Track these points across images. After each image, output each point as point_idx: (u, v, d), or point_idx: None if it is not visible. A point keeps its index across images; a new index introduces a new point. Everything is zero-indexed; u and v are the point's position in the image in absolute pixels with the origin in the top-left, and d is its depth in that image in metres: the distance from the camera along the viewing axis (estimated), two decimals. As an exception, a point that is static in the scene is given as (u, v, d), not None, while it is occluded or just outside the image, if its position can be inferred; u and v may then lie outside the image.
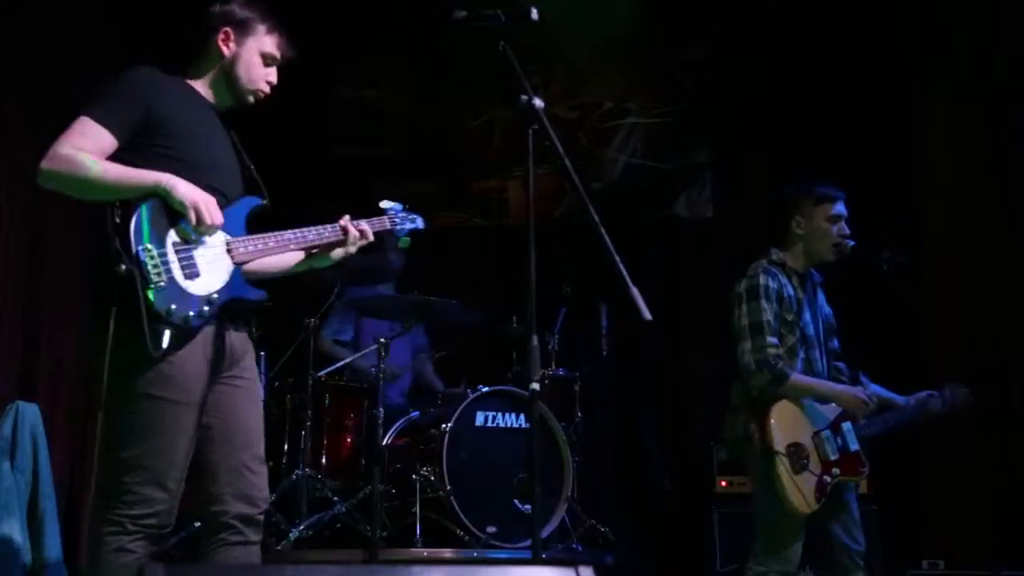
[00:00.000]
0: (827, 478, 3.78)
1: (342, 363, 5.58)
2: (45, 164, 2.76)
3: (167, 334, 2.67)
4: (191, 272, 2.77)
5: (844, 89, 6.15)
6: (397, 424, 5.43)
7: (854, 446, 3.88)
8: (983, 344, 5.43)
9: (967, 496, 5.44)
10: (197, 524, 4.71)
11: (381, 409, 5.07)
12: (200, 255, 2.81)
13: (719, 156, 6.83)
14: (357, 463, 5.42)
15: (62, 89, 5.00)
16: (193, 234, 2.78)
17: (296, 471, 5.10)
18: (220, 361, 2.90)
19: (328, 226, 3.13)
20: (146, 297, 2.63)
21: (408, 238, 3.37)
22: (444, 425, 5.05)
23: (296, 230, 3.05)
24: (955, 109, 5.81)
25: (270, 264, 3.12)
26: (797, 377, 3.81)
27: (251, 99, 3.11)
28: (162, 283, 2.67)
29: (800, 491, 3.69)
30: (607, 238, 2.45)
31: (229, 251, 2.89)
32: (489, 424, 5.21)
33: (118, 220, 2.70)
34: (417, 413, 5.51)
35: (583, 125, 6.90)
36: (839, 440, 3.87)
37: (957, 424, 5.34)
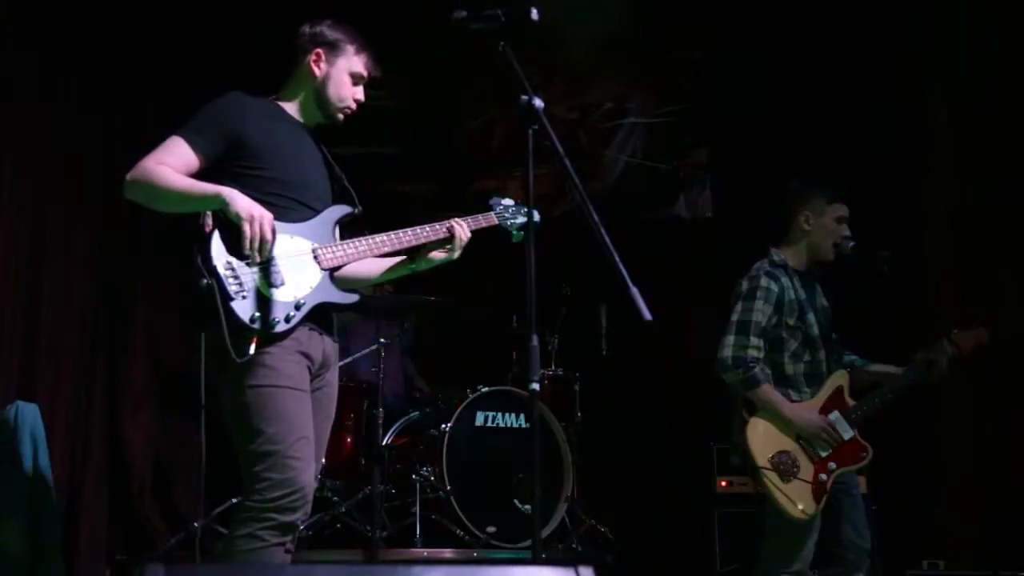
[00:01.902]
0: (824, 476, 3.77)
1: (342, 363, 5.58)
2: (129, 175, 2.91)
3: (253, 341, 2.80)
4: (276, 280, 2.88)
5: (843, 89, 6.15)
6: (397, 424, 5.43)
7: (847, 434, 3.84)
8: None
9: (967, 497, 5.44)
10: (196, 524, 4.74)
11: (381, 409, 5.08)
12: (285, 264, 2.92)
13: (719, 156, 6.83)
14: (357, 463, 5.42)
15: (62, 88, 5.02)
16: (252, 249, 2.84)
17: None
18: (314, 363, 3.02)
19: (428, 226, 3.24)
20: (228, 309, 2.76)
21: (521, 232, 3.43)
22: (444, 425, 5.05)
23: (391, 232, 3.17)
24: (954, 109, 5.80)
25: (365, 270, 3.26)
26: (767, 389, 3.79)
27: (340, 116, 3.26)
28: (244, 294, 2.79)
29: (792, 499, 3.68)
30: (607, 238, 2.45)
31: (316, 258, 3.00)
32: (489, 424, 5.21)
33: (201, 238, 2.83)
34: (417, 413, 5.52)
35: (583, 125, 6.90)
36: (826, 439, 3.85)
37: (957, 423, 5.35)
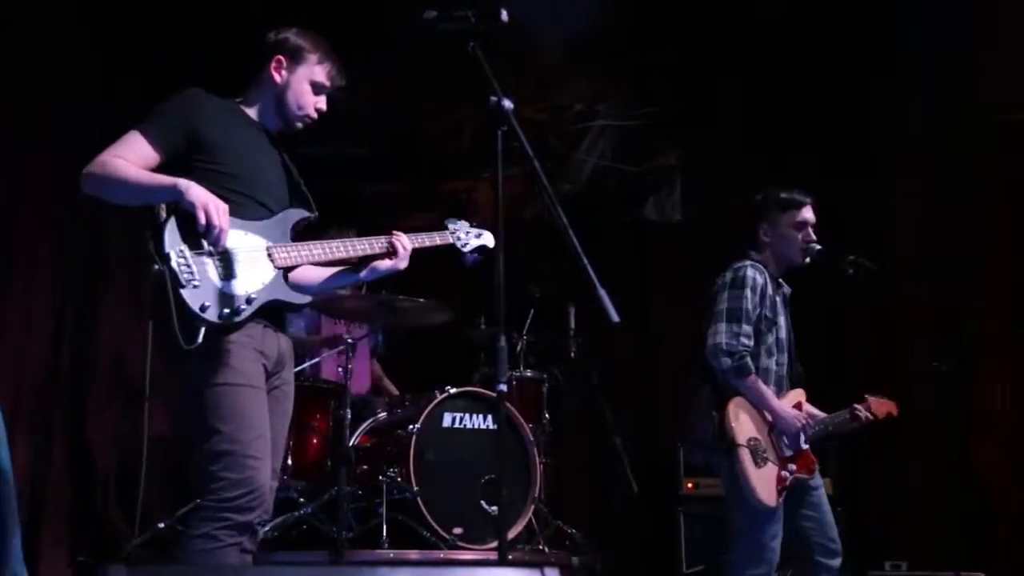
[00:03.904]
0: (785, 474, 3.85)
1: (309, 363, 5.56)
2: (86, 169, 2.90)
3: (202, 330, 2.75)
4: (228, 273, 2.86)
5: (814, 93, 6.20)
6: (364, 425, 5.41)
7: (805, 445, 3.94)
8: (949, 346, 5.48)
9: (930, 498, 5.50)
10: (161, 525, 4.70)
11: (348, 410, 5.06)
12: (240, 258, 2.90)
13: (688, 159, 6.86)
14: (323, 464, 5.38)
15: (36, 87, 4.98)
16: (205, 239, 2.82)
17: (262, 472, 5.06)
18: (269, 360, 3.02)
19: (376, 238, 3.22)
20: (177, 296, 2.73)
21: (475, 256, 3.44)
22: (411, 426, 5.04)
23: (344, 240, 3.16)
24: (926, 113, 5.87)
25: (314, 275, 3.23)
26: (756, 379, 3.86)
27: (299, 125, 3.25)
28: (195, 282, 2.76)
29: (765, 483, 3.75)
30: (575, 240, 2.46)
31: (270, 256, 2.98)
32: (457, 425, 5.20)
33: (154, 226, 2.82)
34: (384, 414, 5.50)
35: (553, 127, 6.90)
36: (795, 439, 3.91)
37: (921, 426, 5.41)
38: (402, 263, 3.23)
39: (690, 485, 5.55)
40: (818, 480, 3.99)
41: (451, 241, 3.42)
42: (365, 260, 3.25)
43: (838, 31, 6.05)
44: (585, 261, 2.44)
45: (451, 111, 6.89)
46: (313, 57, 3.20)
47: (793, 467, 3.87)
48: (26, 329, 4.87)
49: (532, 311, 5.89)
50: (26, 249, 4.89)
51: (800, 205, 4.06)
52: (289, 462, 5.27)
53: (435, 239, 3.38)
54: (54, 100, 5.12)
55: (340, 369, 5.27)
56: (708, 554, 5.35)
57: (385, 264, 3.24)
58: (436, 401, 5.14)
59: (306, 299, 3.09)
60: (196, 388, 2.83)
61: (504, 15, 2.75)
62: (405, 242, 3.24)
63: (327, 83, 3.22)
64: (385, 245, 3.22)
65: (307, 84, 3.20)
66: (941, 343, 5.51)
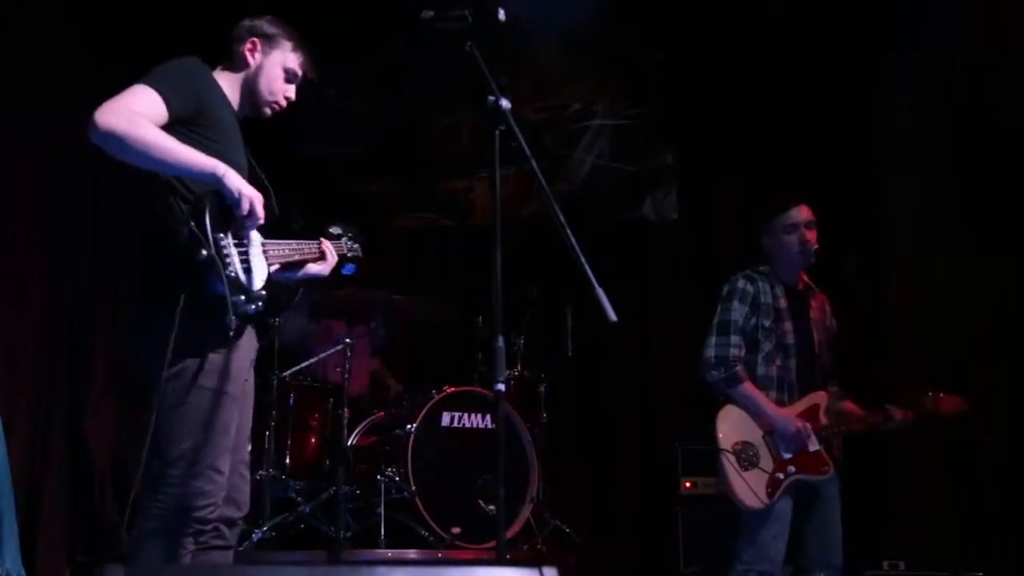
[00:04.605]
0: (781, 475, 3.88)
1: (307, 363, 5.55)
2: (103, 119, 2.68)
3: (234, 323, 2.68)
4: (247, 267, 2.80)
5: (809, 94, 6.19)
6: (362, 424, 5.41)
7: (813, 447, 3.95)
8: (946, 346, 5.48)
9: (928, 497, 5.50)
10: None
11: (346, 409, 5.06)
12: (251, 251, 2.85)
13: (685, 159, 6.86)
14: (322, 463, 5.39)
15: (23, 87, 4.98)
16: (243, 228, 2.79)
17: (260, 472, 5.07)
18: (250, 364, 2.98)
19: (314, 241, 3.21)
20: (229, 281, 2.66)
21: (353, 265, 3.42)
22: (409, 426, 5.04)
23: (309, 240, 3.16)
24: (917, 112, 5.87)
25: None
26: (749, 387, 3.93)
27: (268, 111, 3.18)
28: (233, 273, 2.71)
29: (748, 486, 3.82)
30: (573, 239, 2.45)
31: (265, 252, 2.93)
32: (455, 425, 5.20)
33: (188, 209, 2.73)
34: (382, 413, 5.50)
35: (550, 126, 6.90)
36: (794, 442, 3.92)
37: (920, 426, 5.41)
38: (326, 270, 3.23)
39: (688, 484, 5.55)
40: (832, 492, 4.01)
41: (345, 251, 3.37)
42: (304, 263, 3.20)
43: (834, 31, 6.05)
44: (583, 260, 2.43)
45: (449, 111, 6.89)
46: (288, 44, 3.16)
47: (792, 468, 3.90)
48: (23, 329, 4.86)
49: (530, 311, 5.89)
50: (19, 248, 4.88)
51: (787, 207, 4.08)
52: (287, 461, 5.28)
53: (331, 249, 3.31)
54: (41, 100, 5.09)
55: (338, 369, 5.27)
56: (707, 553, 5.34)
57: (314, 268, 3.21)
58: (434, 400, 5.14)
59: (296, 297, 3.08)
60: (185, 388, 2.76)
61: (502, 15, 2.74)
62: (331, 248, 3.24)
63: (299, 71, 3.18)
64: (322, 249, 3.21)
65: (280, 69, 3.15)
66: (936, 342, 5.52)
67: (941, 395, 4.05)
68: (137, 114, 2.72)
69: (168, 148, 2.73)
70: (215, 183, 2.75)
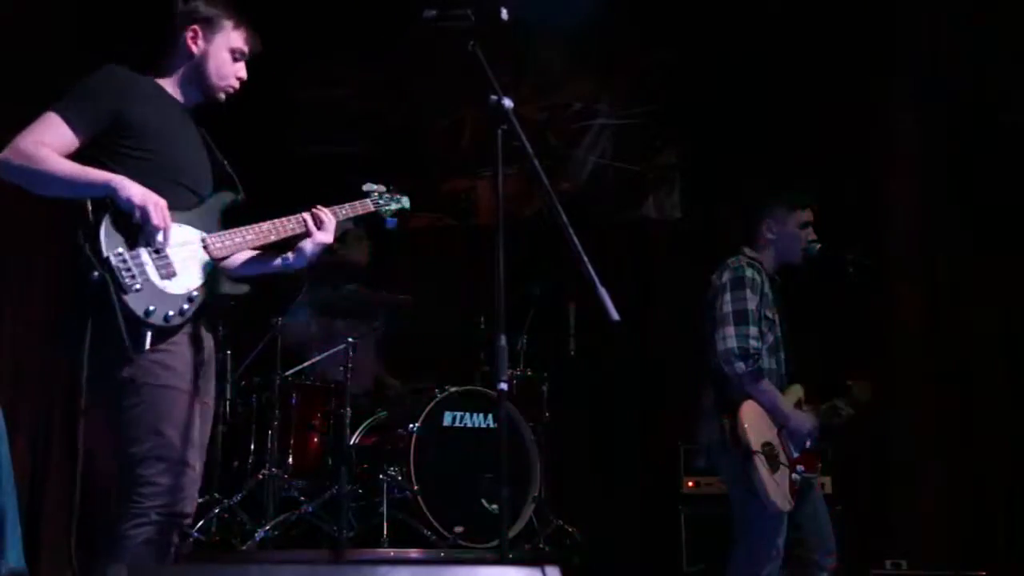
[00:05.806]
0: (795, 476, 3.82)
1: (309, 363, 5.55)
2: (4, 155, 2.75)
3: (148, 335, 2.67)
4: (167, 272, 2.76)
5: (810, 92, 6.19)
6: (365, 424, 5.41)
7: (810, 444, 3.94)
8: (945, 344, 5.48)
9: (930, 496, 5.50)
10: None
11: (349, 408, 5.06)
12: (175, 254, 2.79)
13: (688, 158, 6.86)
14: (324, 463, 5.39)
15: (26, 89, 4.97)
16: (144, 238, 2.74)
17: (263, 471, 5.07)
18: (203, 361, 2.92)
19: (299, 215, 3.10)
20: (122, 302, 2.63)
21: (396, 218, 3.37)
22: (412, 425, 5.04)
23: (274, 221, 3.04)
24: (918, 111, 5.87)
25: (246, 261, 3.11)
26: (768, 383, 3.82)
27: (221, 96, 3.11)
28: (137, 286, 2.67)
29: (780, 489, 3.70)
30: (576, 238, 2.45)
31: (206, 247, 2.88)
32: (457, 424, 5.20)
33: (87, 227, 2.70)
34: (385, 413, 5.50)
35: (552, 125, 6.90)
36: (802, 440, 3.92)
37: (921, 424, 5.41)
38: (327, 236, 3.10)
39: (691, 484, 5.54)
40: (814, 481, 3.99)
41: (372, 209, 3.32)
42: (292, 243, 3.11)
43: (836, 30, 6.05)
44: (585, 260, 2.43)
45: (451, 110, 6.89)
46: (228, 24, 3.07)
47: (801, 468, 3.86)
48: (24, 328, 4.86)
49: (532, 310, 5.89)
50: (20, 249, 4.88)
51: (808, 205, 4.08)
52: (290, 461, 5.28)
53: (357, 208, 3.26)
54: (41, 101, 5.10)
55: (341, 368, 5.27)
56: (709, 553, 5.34)
57: (310, 244, 3.08)
58: (436, 400, 5.14)
59: (244, 288, 2.97)
60: (135, 389, 2.74)
61: (504, 14, 2.74)
62: (328, 214, 3.13)
63: (245, 48, 3.10)
64: (311, 219, 3.09)
65: (226, 52, 3.07)
66: (935, 340, 5.52)
67: (860, 381, 4.06)
68: (38, 145, 2.74)
69: (60, 173, 2.72)
70: (112, 196, 2.71)
